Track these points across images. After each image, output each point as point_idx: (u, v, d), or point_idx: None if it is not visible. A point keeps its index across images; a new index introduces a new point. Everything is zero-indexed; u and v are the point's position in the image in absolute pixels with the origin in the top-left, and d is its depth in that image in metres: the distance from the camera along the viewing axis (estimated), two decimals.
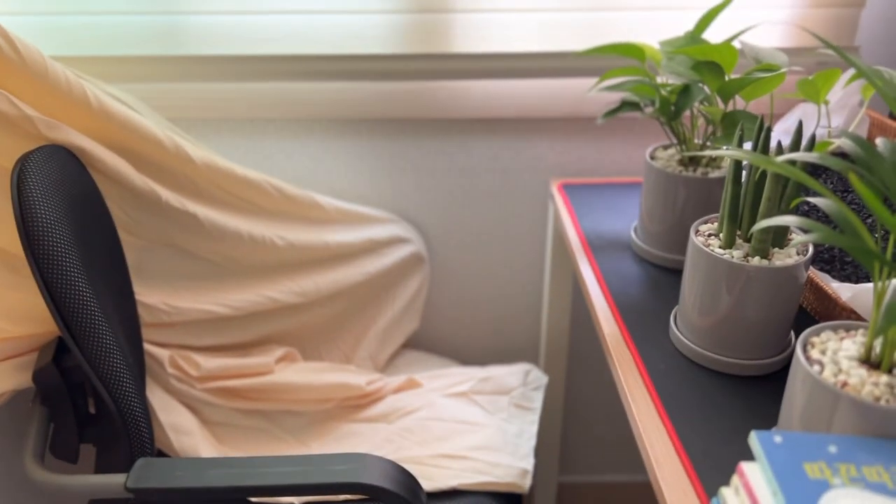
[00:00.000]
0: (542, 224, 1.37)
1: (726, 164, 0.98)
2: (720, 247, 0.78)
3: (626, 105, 1.02)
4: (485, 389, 1.20)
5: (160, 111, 1.20)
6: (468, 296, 1.43)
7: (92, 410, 0.93)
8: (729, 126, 0.90)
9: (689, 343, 0.81)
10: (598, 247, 1.07)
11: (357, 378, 1.17)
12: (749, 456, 0.68)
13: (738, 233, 0.80)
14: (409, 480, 0.81)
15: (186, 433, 1.04)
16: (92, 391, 0.92)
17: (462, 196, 1.34)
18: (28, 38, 0.86)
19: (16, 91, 0.85)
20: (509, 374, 1.24)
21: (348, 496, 0.98)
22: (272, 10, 1.17)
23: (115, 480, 0.80)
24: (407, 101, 1.24)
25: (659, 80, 0.98)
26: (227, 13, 1.17)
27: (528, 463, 1.07)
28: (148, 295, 1.03)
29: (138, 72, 1.20)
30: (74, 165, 0.89)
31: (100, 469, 0.93)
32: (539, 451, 1.48)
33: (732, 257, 0.75)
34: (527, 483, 1.04)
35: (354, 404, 1.18)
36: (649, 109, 1.00)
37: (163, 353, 1.06)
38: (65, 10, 1.16)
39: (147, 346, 1.05)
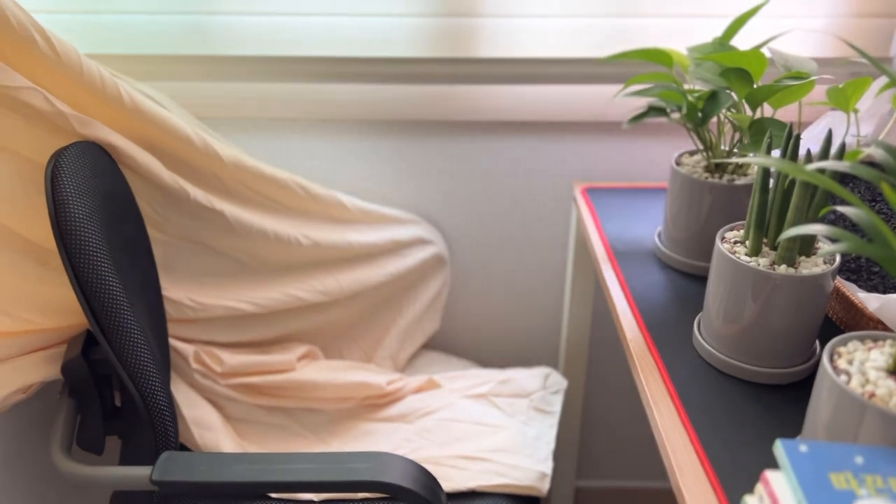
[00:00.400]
0: (565, 228, 1.37)
1: (752, 172, 0.97)
2: (746, 254, 0.78)
3: (652, 110, 1.02)
4: (504, 392, 1.21)
5: (188, 110, 1.22)
6: (489, 298, 1.43)
7: (118, 403, 0.94)
8: (756, 133, 0.89)
9: (712, 350, 0.81)
10: (621, 252, 1.06)
11: (377, 377, 1.18)
12: (773, 464, 0.68)
13: (765, 241, 0.79)
14: (430, 480, 0.81)
15: (209, 428, 1.05)
16: (118, 384, 0.93)
17: (485, 198, 1.34)
18: (62, 35, 0.87)
19: (51, 88, 0.86)
20: (529, 377, 1.24)
21: (367, 494, 0.99)
22: (300, 12, 1.18)
23: (140, 473, 0.81)
24: (432, 103, 1.24)
25: (686, 86, 0.98)
26: (256, 14, 1.18)
27: (547, 466, 1.07)
28: (174, 291, 1.05)
29: (168, 70, 1.22)
30: (106, 162, 0.91)
31: (124, 461, 0.95)
32: (557, 455, 1.48)
33: (759, 265, 0.75)
34: (545, 486, 1.04)
35: (374, 403, 1.18)
36: (676, 115, 0.99)
37: (187, 349, 1.07)
38: (98, 9, 1.17)
39: (172, 342, 1.06)
